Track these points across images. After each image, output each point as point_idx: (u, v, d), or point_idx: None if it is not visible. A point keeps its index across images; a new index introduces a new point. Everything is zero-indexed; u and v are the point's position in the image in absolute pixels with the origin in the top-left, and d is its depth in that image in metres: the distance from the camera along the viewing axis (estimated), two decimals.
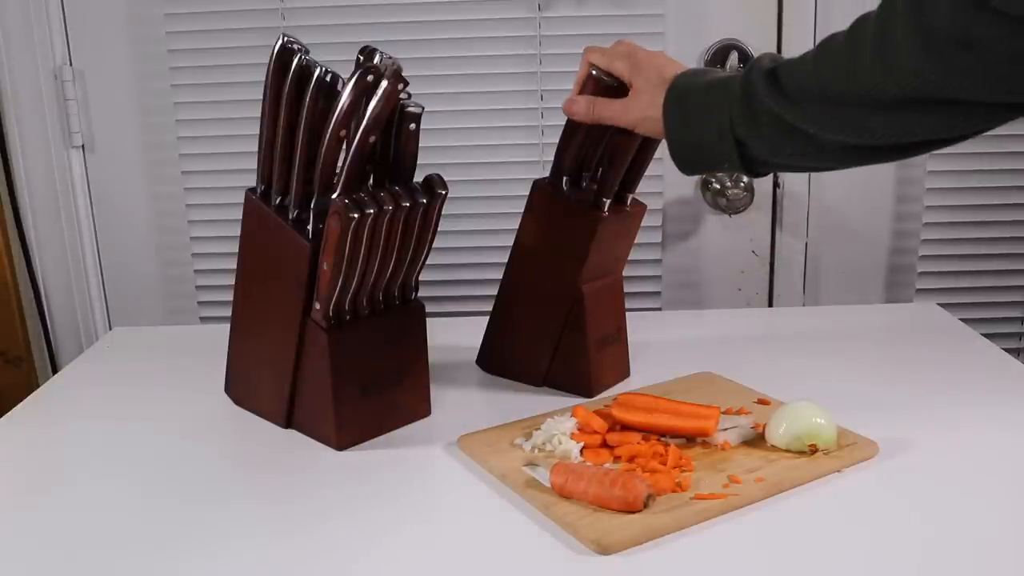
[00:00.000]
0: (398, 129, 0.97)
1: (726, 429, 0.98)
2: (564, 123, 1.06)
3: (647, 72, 0.99)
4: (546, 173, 1.10)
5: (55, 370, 1.59)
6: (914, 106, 0.77)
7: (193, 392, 1.15)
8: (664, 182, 1.50)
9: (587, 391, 1.11)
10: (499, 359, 1.20)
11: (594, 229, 1.06)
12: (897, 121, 0.80)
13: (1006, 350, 1.23)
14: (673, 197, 1.52)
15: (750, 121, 0.89)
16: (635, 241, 1.16)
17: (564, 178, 1.08)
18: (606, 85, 1.02)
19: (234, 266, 1.07)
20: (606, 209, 1.07)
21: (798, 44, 1.44)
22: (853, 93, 0.81)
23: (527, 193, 1.12)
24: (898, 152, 0.85)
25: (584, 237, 1.07)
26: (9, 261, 1.53)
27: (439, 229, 1.01)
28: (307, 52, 0.96)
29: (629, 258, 1.17)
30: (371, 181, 1.01)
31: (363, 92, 0.92)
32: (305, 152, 0.95)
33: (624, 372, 1.17)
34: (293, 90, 0.95)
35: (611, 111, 1.01)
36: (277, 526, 0.86)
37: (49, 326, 1.59)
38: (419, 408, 1.07)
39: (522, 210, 1.13)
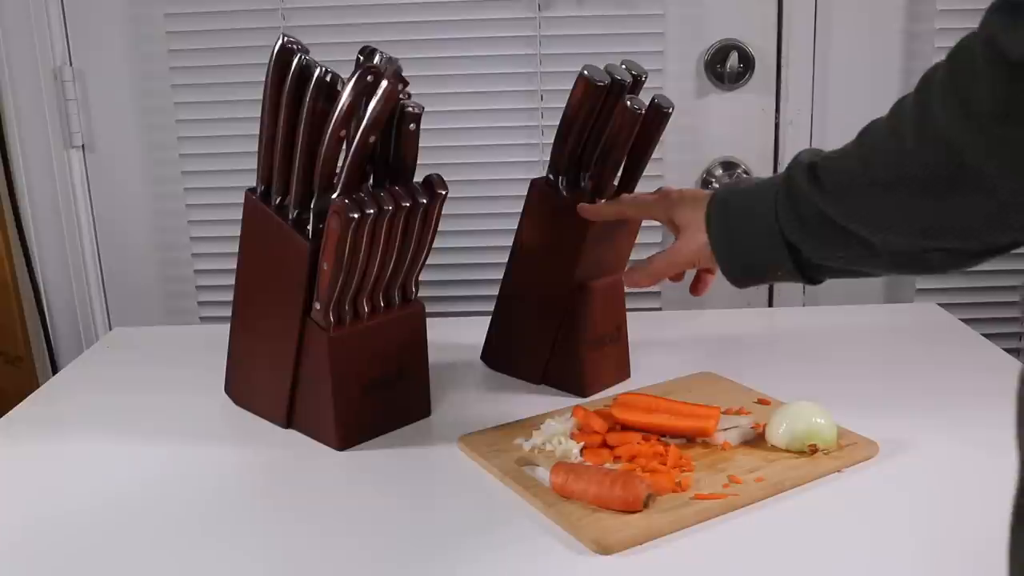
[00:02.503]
0: (398, 129, 0.97)
1: (726, 429, 0.98)
2: (560, 121, 1.06)
3: (683, 204, 0.96)
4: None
5: (55, 370, 1.59)
6: (959, 186, 0.69)
7: (193, 392, 1.15)
8: (664, 182, 1.49)
9: (582, 390, 1.11)
10: (500, 356, 1.20)
11: (588, 229, 1.06)
12: (947, 210, 0.71)
13: (1006, 350, 1.23)
14: None
15: (797, 223, 0.84)
16: (635, 241, 1.16)
17: (561, 177, 1.08)
18: (597, 87, 1.02)
19: (234, 266, 1.07)
20: None
21: (798, 44, 1.44)
22: (898, 177, 0.73)
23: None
24: (952, 260, 0.78)
25: (578, 236, 1.07)
26: (9, 261, 1.53)
27: (439, 229, 1.01)
28: (307, 52, 0.96)
29: (629, 258, 1.17)
30: (371, 181, 1.01)
31: (363, 92, 0.92)
32: (305, 152, 0.95)
33: (624, 372, 1.17)
34: (293, 90, 0.95)
35: (667, 259, 0.98)
36: (277, 526, 0.86)
37: (49, 326, 1.59)
38: (419, 408, 1.07)
39: (521, 210, 1.13)
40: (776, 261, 0.87)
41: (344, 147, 0.94)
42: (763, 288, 1.56)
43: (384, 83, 0.92)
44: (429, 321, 1.06)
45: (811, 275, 0.89)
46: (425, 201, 0.96)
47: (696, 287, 1.06)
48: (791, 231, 0.85)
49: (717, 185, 1.50)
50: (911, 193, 0.73)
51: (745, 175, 1.49)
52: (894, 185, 0.74)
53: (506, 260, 1.16)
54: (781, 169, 1.48)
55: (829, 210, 0.80)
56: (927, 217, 0.74)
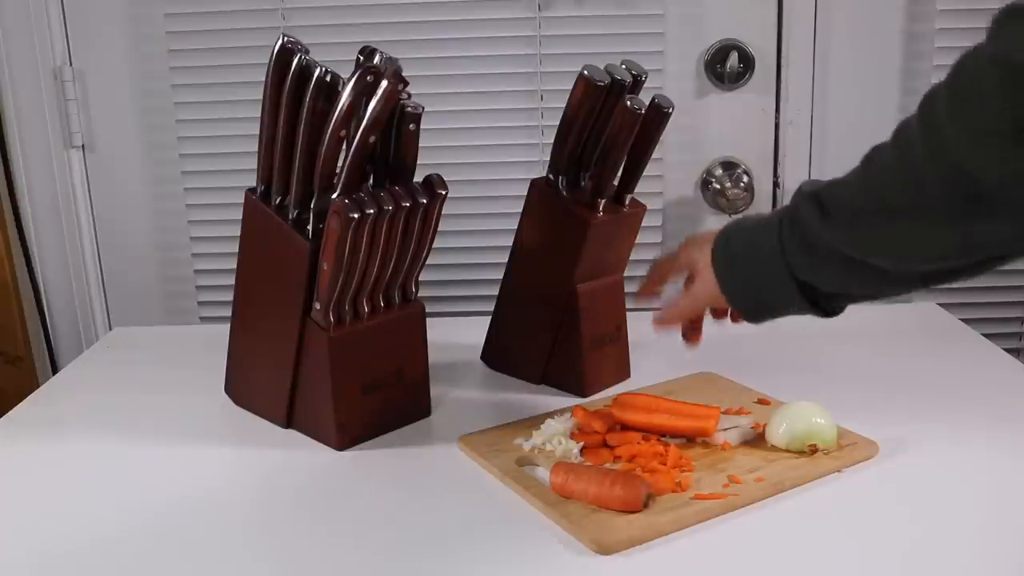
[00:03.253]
0: (398, 129, 0.97)
1: (726, 429, 0.98)
2: (559, 121, 1.06)
3: (693, 246, 0.94)
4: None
5: (55, 370, 1.59)
6: (975, 209, 0.67)
7: (193, 392, 1.15)
8: (664, 182, 1.50)
9: (582, 390, 1.11)
10: (500, 356, 1.20)
11: (587, 229, 1.06)
12: (965, 234, 0.69)
13: (1006, 350, 1.23)
14: (673, 197, 1.52)
15: (805, 256, 0.81)
16: (635, 241, 1.16)
17: (561, 177, 1.08)
18: (597, 87, 1.02)
19: (234, 266, 1.07)
20: (600, 209, 1.07)
21: (798, 44, 1.44)
22: (911, 204, 0.71)
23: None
24: (968, 273, 0.77)
25: (578, 237, 1.07)
26: (9, 261, 1.53)
27: (439, 229, 1.01)
28: (307, 52, 0.96)
29: (630, 258, 1.17)
30: (371, 181, 1.01)
31: (363, 92, 0.92)
32: (305, 152, 0.95)
33: (624, 372, 1.17)
34: (293, 90, 0.95)
35: (689, 300, 0.97)
36: (277, 526, 0.86)
37: (49, 326, 1.59)
38: (419, 408, 1.07)
39: (521, 210, 1.13)
40: (787, 297, 0.85)
41: (344, 147, 0.94)
42: None
43: (384, 83, 0.92)
44: (429, 321, 1.06)
45: (825, 307, 0.87)
46: (425, 201, 0.96)
47: (734, 319, 1.00)
48: (800, 268, 0.82)
49: (716, 183, 1.50)
50: (926, 221, 0.70)
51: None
52: (906, 212, 0.72)
53: (506, 260, 1.16)
54: (781, 169, 1.49)
55: (839, 240, 0.78)
56: (944, 242, 0.71)
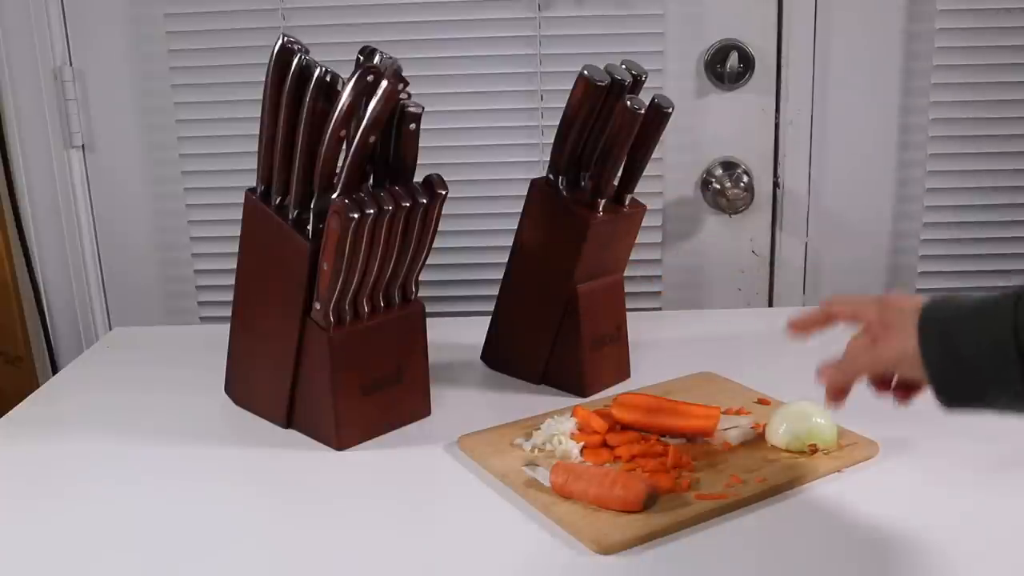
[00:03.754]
0: (398, 129, 0.97)
1: (726, 429, 0.98)
2: (559, 121, 1.06)
3: (896, 305, 0.83)
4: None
5: (55, 370, 1.59)
6: None
7: (193, 392, 1.15)
8: (664, 182, 1.50)
9: (582, 390, 1.11)
10: (500, 356, 1.20)
11: (587, 229, 1.06)
12: None
13: None
14: (673, 197, 1.52)
15: None
16: (635, 241, 1.16)
17: (561, 177, 1.08)
18: (597, 87, 1.02)
19: (234, 266, 1.07)
20: (600, 209, 1.07)
21: (798, 44, 1.44)
22: None
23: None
24: None
25: (578, 237, 1.07)
26: (9, 261, 1.53)
27: (439, 229, 1.01)
28: (307, 52, 0.96)
29: (629, 258, 1.17)
30: (371, 181, 1.01)
31: (363, 92, 0.92)
32: (305, 152, 0.95)
33: (624, 372, 1.17)
34: (293, 90, 0.95)
35: (867, 359, 0.85)
36: (277, 526, 0.86)
37: (49, 326, 1.59)
38: (419, 408, 1.07)
39: (521, 210, 1.13)
40: (1004, 378, 0.73)
41: (344, 147, 0.94)
42: (763, 288, 1.56)
43: (384, 83, 0.92)
44: (429, 321, 1.06)
45: None
46: (425, 201, 0.96)
47: (900, 397, 0.89)
48: None
49: (716, 183, 1.50)
50: None
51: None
52: None
53: (506, 260, 1.16)
54: (781, 169, 1.49)
55: None
56: None
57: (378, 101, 0.92)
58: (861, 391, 1.09)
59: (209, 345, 1.20)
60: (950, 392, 0.77)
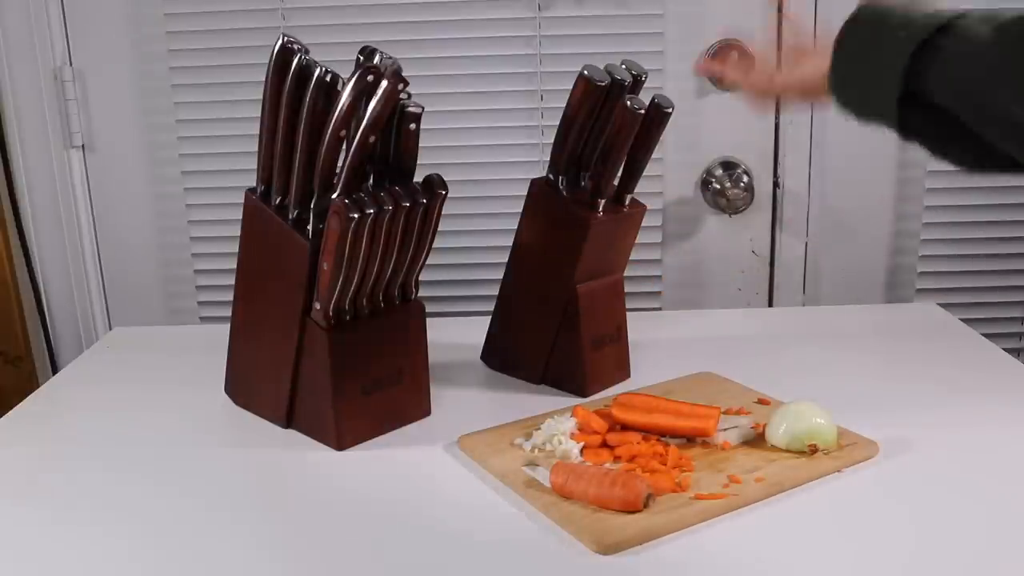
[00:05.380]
0: (398, 129, 0.97)
1: (726, 429, 0.98)
2: (559, 121, 1.06)
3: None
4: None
5: (55, 370, 1.59)
6: None
7: (193, 392, 1.15)
8: (664, 182, 1.50)
9: (582, 390, 1.11)
10: (500, 356, 1.20)
11: (588, 229, 1.06)
12: None
13: (1006, 350, 1.23)
14: (673, 197, 1.52)
15: (947, 40, 0.72)
16: (635, 241, 1.16)
17: (561, 177, 1.08)
18: (597, 87, 1.02)
19: (234, 266, 1.07)
20: (600, 209, 1.07)
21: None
22: None
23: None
24: None
25: (578, 237, 1.07)
26: (9, 261, 1.53)
27: (439, 229, 1.01)
28: (307, 52, 0.96)
29: (629, 258, 1.17)
30: (371, 181, 1.01)
31: (363, 92, 0.92)
32: (305, 152, 0.95)
33: (624, 372, 1.17)
34: (293, 90, 0.95)
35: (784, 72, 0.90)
36: (277, 526, 0.86)
37: (49, 326, 1.59)
38: (419, 408, 1.07)
39: (521, 210, 1.13)
40: (884, 117, 0.78)
41: (344, 147, 0.94)
42: (763, 288, 1.56)
43: (384, 83, 0.92)
44: (429, 321, 1.06)
45: (911, 123, 0.78)
46: (425, 201, 0.96)
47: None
48: (928, 58, 0.73)
49: (716, 183, 1.50)
50: None
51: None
52: None
53: (506, 260, 1.16)
54: (781, 169, 1.49)
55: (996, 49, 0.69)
56: None
57: (378, 101, 0.92)
58: (861, 391, 1.10)
59: (209, 345, 1.20)
60: (842, 92, 0.84)
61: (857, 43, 0.81)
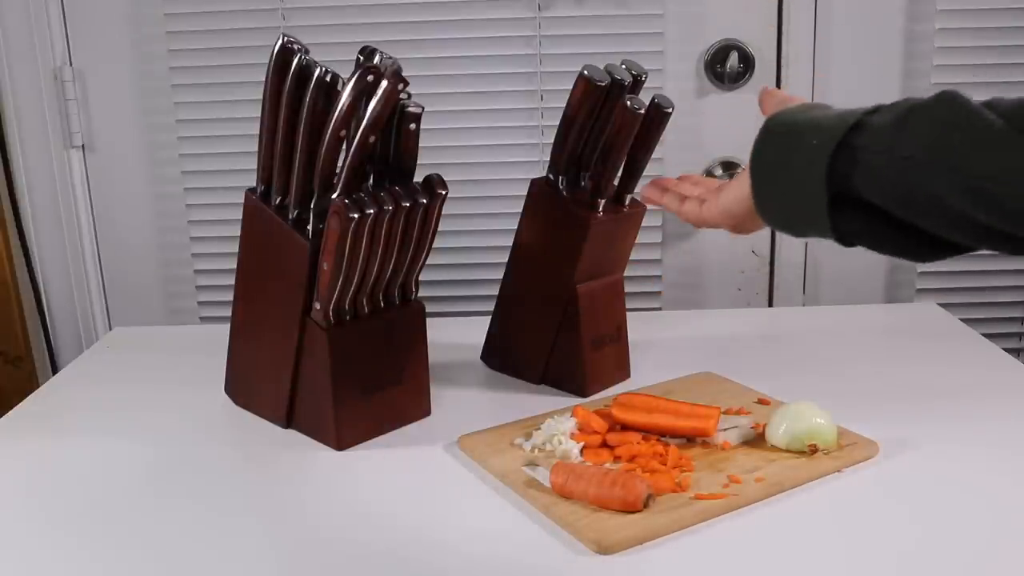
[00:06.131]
0: (398, 129, 0.97)
1: (726, 429, 0.98)
2: (559, 121, 1.06)
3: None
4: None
5: (55, 370, 1.59)
6: None
7: (193, 392, 1.15)
8: None
9: (582, 391, 1.11)
10: (500, 356, 1.20)
11: (588, 229, 1.06)
12: None
13: (1006, 350, 1.23)
14: None
15: (873, 143, 0.69)
16: (635, 241, 1.16)
17: (561, 177, 1.08)
18: (597, 87, 1.02)
19: (234, 266, 1.07)
20: (600, 209, 1.07)
21: (798, 44, 1.44)
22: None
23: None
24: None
25: (578, 237, 1.07)
26: (9, 261, 1.53)
27: (439, 229, 1.01)
28: (307, 52, 0.96)
29: (629, 258, 1.17)
30: (371, 181, 1.01)
31: (363, 92, 0.92)
32: (305, 152, 0.95)
33: (624, 372, 1.17)
34: (293, 90, 0.95)
35: (712, 208, 0.90)
36: (277, 526, 0.86)
37: (49, 326, 1.59)
38: (419, 408, 1.07)
39: (521, 210, 1.13)
40: (812, 200, 0.73)
41: (344, 147, 0.94)
42: (763, 288, 1.56)
43: (384, 83, 0.92)
44: (429, 321, 1.06)
45: (848, 228, 0.74)
46: (425, 201, 0.96)
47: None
48: (848, 162, 0.70)
49: None
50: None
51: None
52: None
53: (506, 260, 1.16)
54: None
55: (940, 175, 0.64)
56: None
57: (378, 101, 0.92)
58: (861, 391, 1.10)
59: (209, 345, 1.20)
60: (767, 208, 0.80)
61: (773, 156, 0.78)
